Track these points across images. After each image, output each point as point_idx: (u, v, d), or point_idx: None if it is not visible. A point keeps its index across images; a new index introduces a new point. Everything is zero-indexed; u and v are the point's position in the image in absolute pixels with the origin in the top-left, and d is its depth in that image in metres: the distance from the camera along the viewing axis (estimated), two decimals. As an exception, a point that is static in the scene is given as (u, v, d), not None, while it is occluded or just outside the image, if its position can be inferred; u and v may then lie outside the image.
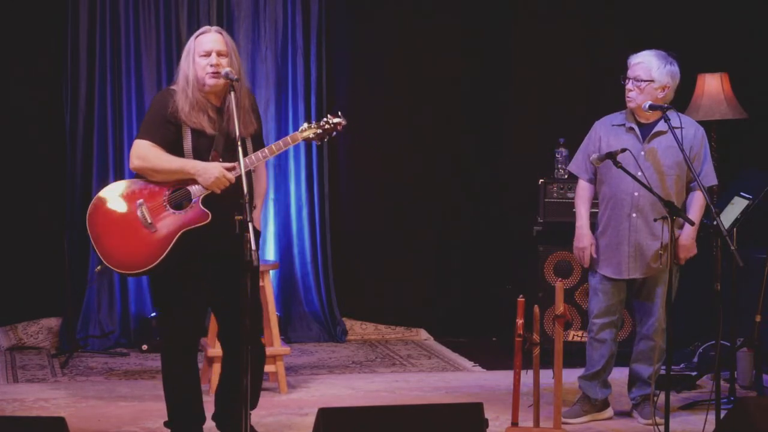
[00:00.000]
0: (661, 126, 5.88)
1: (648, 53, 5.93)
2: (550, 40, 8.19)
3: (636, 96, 5.90)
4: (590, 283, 6.11)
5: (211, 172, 4.89)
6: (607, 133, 6.01)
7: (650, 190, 5.67)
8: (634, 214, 5.94)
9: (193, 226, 4.92)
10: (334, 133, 5.03)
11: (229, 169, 4.88)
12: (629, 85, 5.92)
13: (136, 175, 5.12)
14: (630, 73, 5.93)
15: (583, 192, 6.08)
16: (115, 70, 7.81)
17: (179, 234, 4.91)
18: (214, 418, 5.27)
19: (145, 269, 4.97)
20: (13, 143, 7.80)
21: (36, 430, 4.48)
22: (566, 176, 7.39)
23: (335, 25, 8.21)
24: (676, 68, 5.95)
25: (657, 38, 8.04)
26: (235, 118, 4.82)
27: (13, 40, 7.74)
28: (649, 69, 5.89)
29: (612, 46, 7.92)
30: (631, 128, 5.97)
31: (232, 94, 4.88)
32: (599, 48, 8.11)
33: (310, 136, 4.99)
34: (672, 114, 5.89)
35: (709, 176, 6.02)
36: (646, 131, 5.96)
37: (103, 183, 7.69)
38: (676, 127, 5.82)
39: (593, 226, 6.10)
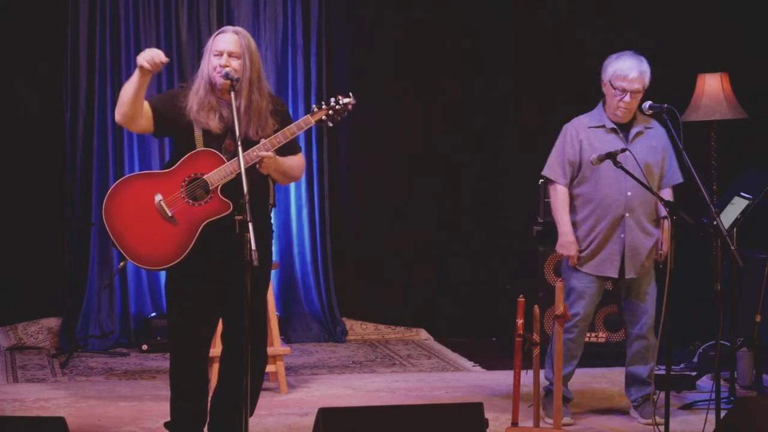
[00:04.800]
0: (639, 127, 5.95)
1: (637, 62, 5.90)
2: (550, 39, 8.19)
3: (633, 107, 5.93)
4: (574, 285, 6.02)
5: (138, 61, 4.89)
6: (587, 136, 5.99)
7: (650, 190, 5.68)
8: (627, 215, 5.95)
9: (215, 217, 4.87)
10: (345, 113, 5.01)
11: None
12: (627, 98, 5.90)
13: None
14: (628, 86, 5.88)
15: (563, 197, 6.01)
16: (115, 70, 7.82)
17: (202, 226, 4.86)
18: (208, 427, 5.19)
19: (171, 264, 4.90)
20: (13, 143, 7.81)
21: (36, 430, 4.48)
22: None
23: (335, 25, 8.22)
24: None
25: (657, 38, 8.08)
26: (236, 118, 4.81)
27: (13, 40, 7.75)
28: (645, 79, 5.92)
29: (612, 46, 7.89)
30: (614, 129, 5.98)
31: (233, 94, 4.87)
32: (599, 48, 8.10)
33: (323, 118, 4.97)
34: (641, 114, 5.96)
35: (678, 174, 6.08)
36: (626, 131, 5.98)
37: (103, 183, 7.73)
38: (649, 128, 5.96)
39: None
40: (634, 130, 5.98)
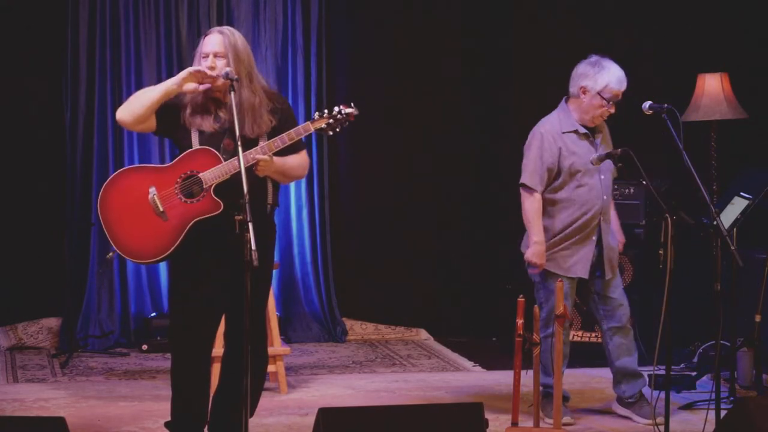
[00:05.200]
0: (599, 130, 6.05)
1: (622, 71, 5.98)
2: (550, 39, 8.19)
3: None
4: (553, 287, 5.92)
5: (180, 74, 4.90)
6: (564, 141, 6.00)
7: (652, 190, 5.68)
8: (601, 218, 6.02)
9: (204, 216, 4.88)
10: (346, 123, 5.01)
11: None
12: (612, 108, 5.97)
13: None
14: (617, 97, 5.97)
15: (539, 205, 5.98)
16: (115, 70, 7.82)
17: (191, 224, 4.87)
18: (209, 426, 5.19)
19: (156, 258, 4.94)
20: (13, 143, 7.81)
21: (36, 430, 4.48)
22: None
23: (335, 25, 8.22)
24: None
25: (657, 38, 8.08)
26: (235, 117, 4.81)
27: (13, 40, 7.75)
28: None
29: (612, 46, 7.91)
30: (585, 134, 6.02)
31: (232, 94, 4.87)
32: (599, 48, 8.09)
33: (323, 126, 4.96)
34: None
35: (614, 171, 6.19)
36: (592, 135, 6.04)
37: (103, 183, 7.70)
38: (604, 128, 6.07)
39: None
40: (598, 134, 6.05)
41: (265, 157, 4.87)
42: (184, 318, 5.02)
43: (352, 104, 5.02)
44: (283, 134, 4.92)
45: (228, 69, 4.92)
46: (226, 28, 5.07)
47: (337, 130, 4.99)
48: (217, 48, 4.97)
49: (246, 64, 5.00)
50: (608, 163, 5.94)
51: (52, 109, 7.86)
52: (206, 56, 4.97)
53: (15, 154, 7.81)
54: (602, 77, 5.93)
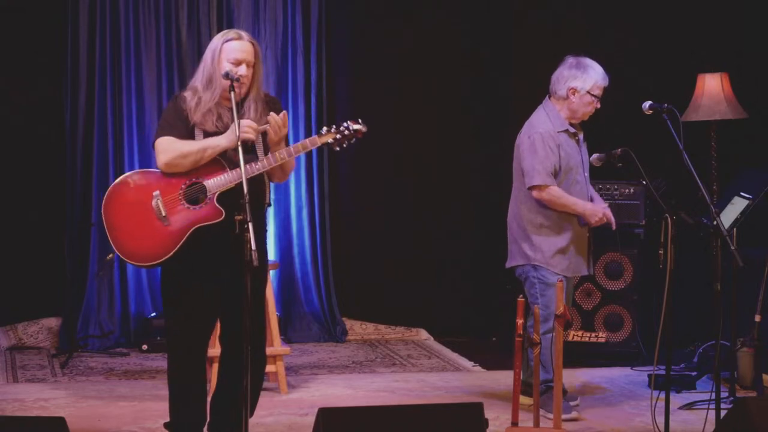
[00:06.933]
0: (579, 130, 6.18)
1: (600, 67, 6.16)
2: (551, 39, 8.19)
3: None
4: (551, 281, 6.05)
5: (233, 129, 4.85)
6: (560, 142, 6.08)
7: (652, 190, 5.67)
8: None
9: (206, 223, 4.89)
10: (354, 140, 5.01)
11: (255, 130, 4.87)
12: (598, 103, 6.14)
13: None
14: (600, 93, 6.13)
15: (559, 191, 6.03)
16: (115, 70, 7.82)
17: (192, 230, 4.89)
18: (208, 427, 5.21)
19: (155, 262, 4.94)
20: (13, 143, 7.81)
21: (36, 430, 4.48)
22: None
23: (335, 25, 8.22)
24: None
25: (658, 38, 8.07)
26: (236, 118, 4.82)
27: (13, 40, 7.75)
28: None
29: (613, 46, 7.92)
30: (574, 134, 6.14)
31: (232, 94, 4.87)
32: (599, 47, 8.11)
33: (330, 141, 4.97)
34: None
35: None
36: (576, 135, 6.15)
37: (103, 183, 7.73)
38: (580, 131, 6.18)
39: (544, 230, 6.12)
40: (580, 132, 6.18)
41: (267, 168, 4.92)
42: (180, 319, 5.03)
43: (360, 120, 5.03)
44: (290, 147, 4.95)
45: (228, 69, 4.92)
46: (251, 36, 5.04)
47: (344, 145, 5.00)
48: (250, 57, 4.96)
49: (262, 70, 5.05)
50: (586, 159, 6.09)
51: (52, 109, 7.86)
52: (236, 63, 4.94)
53: (15, 154, 7.81)
54: (589, 76, 6.11)
